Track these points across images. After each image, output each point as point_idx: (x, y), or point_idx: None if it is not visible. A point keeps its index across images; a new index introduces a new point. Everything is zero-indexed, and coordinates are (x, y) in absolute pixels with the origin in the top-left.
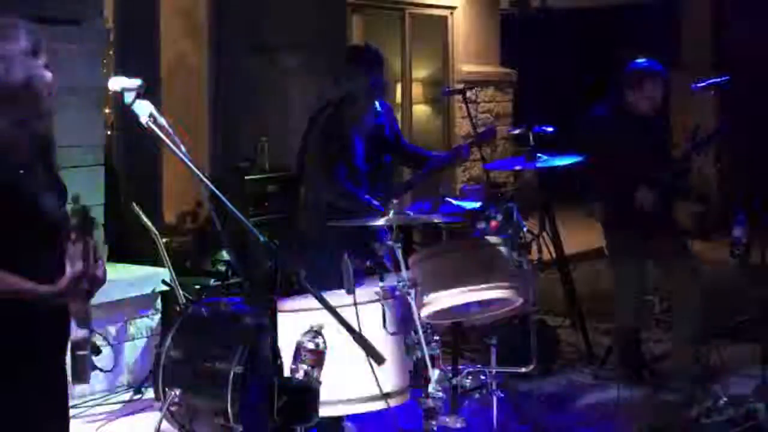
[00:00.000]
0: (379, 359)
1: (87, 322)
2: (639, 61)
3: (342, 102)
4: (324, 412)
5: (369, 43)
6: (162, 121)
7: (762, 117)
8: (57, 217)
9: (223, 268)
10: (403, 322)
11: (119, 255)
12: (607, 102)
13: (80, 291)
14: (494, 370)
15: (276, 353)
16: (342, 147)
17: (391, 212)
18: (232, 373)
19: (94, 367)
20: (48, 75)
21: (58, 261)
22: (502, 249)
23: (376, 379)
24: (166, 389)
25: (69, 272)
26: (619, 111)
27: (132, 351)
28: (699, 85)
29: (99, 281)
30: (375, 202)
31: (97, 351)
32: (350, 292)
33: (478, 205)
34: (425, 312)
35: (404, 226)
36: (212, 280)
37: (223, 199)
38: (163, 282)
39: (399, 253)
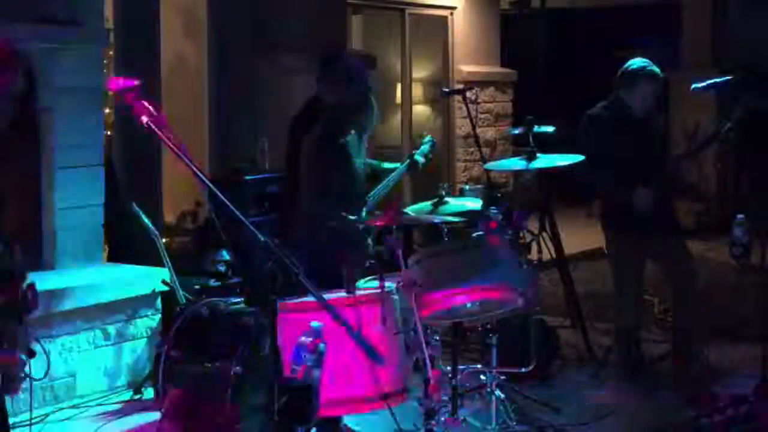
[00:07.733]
0: (378, 359)
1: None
2: (634, 60)
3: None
4: (324, 412)
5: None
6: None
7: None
8: None
9: (223, 268)
10: (404, 322)
11: (119, 255)
12: (604, 102)
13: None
14: (494, 370)
15: (276, 353)
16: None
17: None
18: (232, 373)
19: (26, 375)
20: None
21: None
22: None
23: (376, 379)
24: (166, 389)
25: None
26: (616, 111)
27: (132, 351)
28: (699, 85)
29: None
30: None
31: (30, 354)
32: (350, 292)
33: (478, 205)
34: (425, 312)
35: (404, 226)
36: (212, 280)
37: (223, 199)
38: (163, 282)
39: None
